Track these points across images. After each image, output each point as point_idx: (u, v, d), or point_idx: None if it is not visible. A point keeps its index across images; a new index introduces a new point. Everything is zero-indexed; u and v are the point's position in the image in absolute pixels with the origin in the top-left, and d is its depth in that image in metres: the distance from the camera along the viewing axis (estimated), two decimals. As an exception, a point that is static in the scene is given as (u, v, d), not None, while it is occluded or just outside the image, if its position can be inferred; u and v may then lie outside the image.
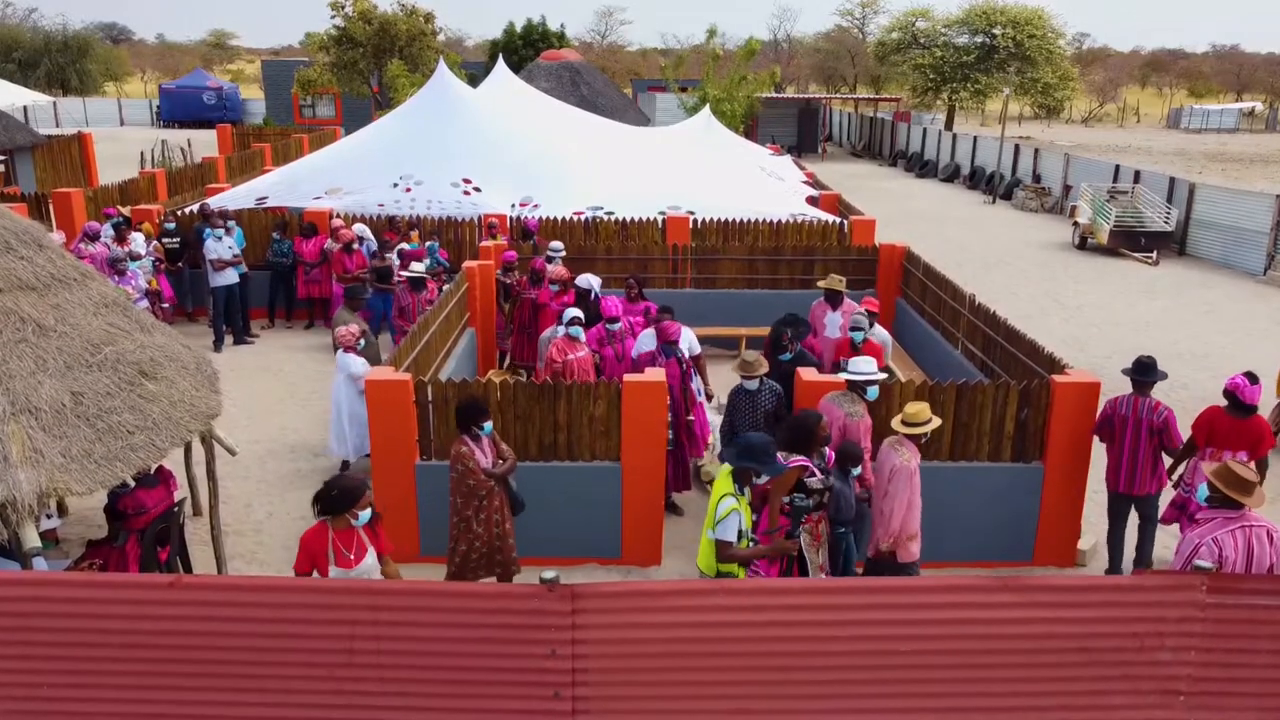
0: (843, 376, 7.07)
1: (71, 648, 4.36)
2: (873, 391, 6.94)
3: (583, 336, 8.49)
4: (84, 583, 4.55)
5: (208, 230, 12.56)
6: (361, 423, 8.70)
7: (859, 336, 8.38)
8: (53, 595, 4.36)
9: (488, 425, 6.31)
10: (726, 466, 5.53)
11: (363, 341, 8.85)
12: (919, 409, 6.25)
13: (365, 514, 5.18)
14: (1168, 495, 7.48)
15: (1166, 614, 4.44)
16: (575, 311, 8.62)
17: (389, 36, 33.46)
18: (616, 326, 8.95)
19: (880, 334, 8.96)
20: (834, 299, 9.57)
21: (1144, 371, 7.12)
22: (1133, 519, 7.39)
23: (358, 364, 8.61)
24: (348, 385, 8.65)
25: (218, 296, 12.63)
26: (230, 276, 12.62)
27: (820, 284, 9.86)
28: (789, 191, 17.72)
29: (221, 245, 12.49)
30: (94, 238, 12.19)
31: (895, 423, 6.30)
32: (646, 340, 8.48)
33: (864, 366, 6.99)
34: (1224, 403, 7.15)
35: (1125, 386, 7.34)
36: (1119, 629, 4.44)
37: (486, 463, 6.32)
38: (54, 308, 5.91)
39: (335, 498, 5.07)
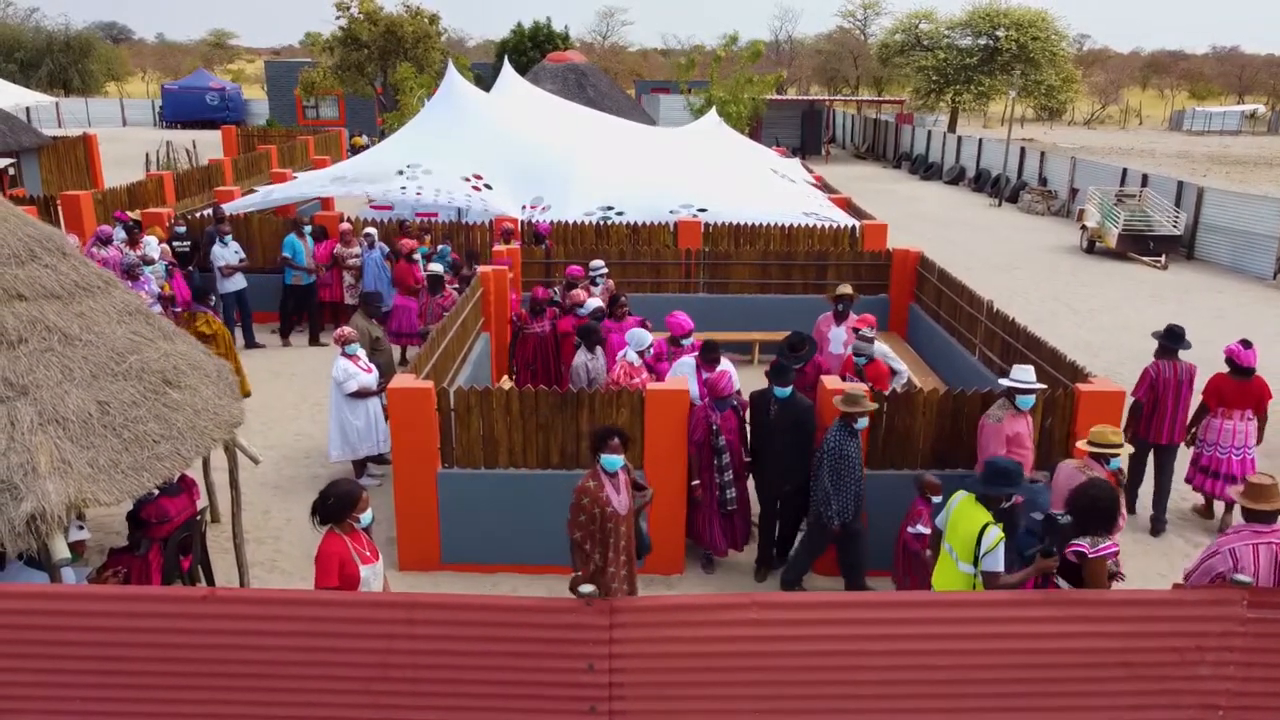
0: (1004, 383, 6.95)
1: (105, 660, 4.34)
2: (1025, 401, 6.80)
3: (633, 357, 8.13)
4: (118, 596, 4.52)
5: (218, 236, 12.56)
6: (342, 427, 8.69)
7: (861, 361, 8.18)
8: (86, 609, 4.34)
9: (611, 460, 5.67)
10: (966, 495, 5.40)
11: (356, 346, 8.77)
12: (1107, 430, 6.10)
13: (366, 516, 5.16)
14: (1184, 457, 8.59)
15: (1207, 628, 4.42)
16: (644, 334, 8.25)
17: (395, 38, 33.40)
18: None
19: (879, 346, 8.68)
20: (842, 310, 9.35)
21: (1176, 339, 8.28)
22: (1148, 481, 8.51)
23: (338, 368, 8.60)
24: (333, 387, 8.67)
25: (227, 303, 12.62)
26: (239, 282, 12.63)
27: (832, 296, 9.62)
28: (802, 192, 17.64)
29: (228, 251, 12.50)
30: (106, 242, 12.16)
31: (1081, 443, 6.17)
32: (687, 371, 7.84)
33: (1026, 375, 6.85)
34: (1226, 371, 8.35)
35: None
36: (1159, 643, 4.43)
37: (619, 500, 5.75)
38: (79, 316, 5.88)
39: (333, 506, 5.06)
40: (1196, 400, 8.61)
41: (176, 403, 5.99)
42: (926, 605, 4.47)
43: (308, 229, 13.33)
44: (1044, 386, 7.06)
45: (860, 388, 7.00)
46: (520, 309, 10.08)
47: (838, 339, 9.20)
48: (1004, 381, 6.97)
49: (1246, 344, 8.29)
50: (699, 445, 7.24)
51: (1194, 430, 8.56)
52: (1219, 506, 8.69)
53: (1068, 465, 6.27)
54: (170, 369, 6.15)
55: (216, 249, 12.47)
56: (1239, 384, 8.22)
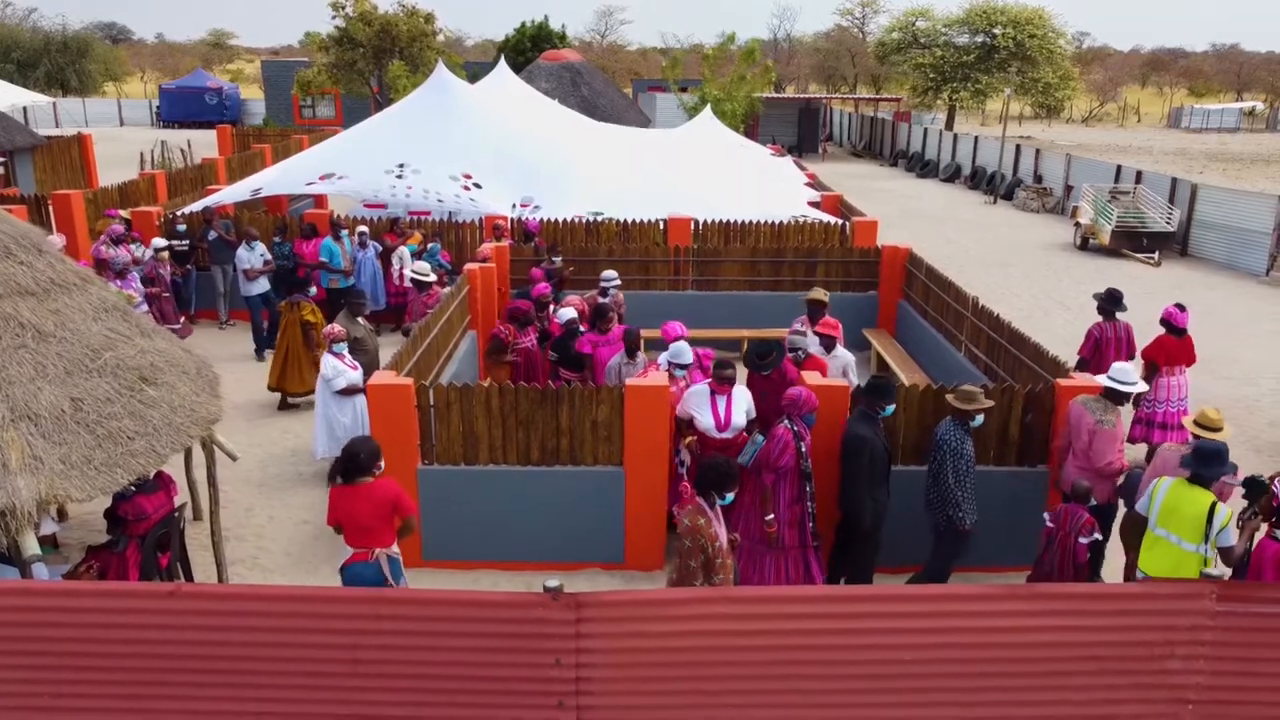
0: (1102, 381, 6.90)
1: (72, 656, 4.33)
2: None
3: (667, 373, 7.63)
4: (86, 592, 4.51)
5: (245, 240, 12.58)
6: (329, 423, 8.69)
7: (801, 355, 7.89)
8: (55, 605, 4.33)
9: (730, 496, 5.66)
10: (1173, 480, 5.61)
11: (343, 345, 8.75)
12: (1217, 415, 6.35)
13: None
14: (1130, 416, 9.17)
15: (1176, 622, 4.41)
16: (685, 348, 7.74)
17: (389, 37, 33.39)
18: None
19: (843, 355, 8.41)
20: (815, 314, 8.94)
21: (1115, 302, 9.55)
22: None
23: (327, 365, 8.59)
24: (321, 385, 8.66)
25: (253, 305, 12.58)
26: (263, 285, 12.59)
27: (807, 296, 9.19)
28: (790, 194, 17.63)
29: (254, 255, 12.46)
30: (118, 242, 12.12)
31: (1187, 421, 6.42)
32: (699, 399, 7.26)
33: (1128, 376, 6.81)
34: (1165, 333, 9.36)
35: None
36: (1128, 637, 4.42)
37: (724, 534, 5.62)
38: (53, 313, 5.88)
39: (363, 461, 5.62)
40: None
41: (152, 399, 5.98)
42: (895, 599, 4.47)
43: (344, 232, 13.30)
44: (1145, 387, 7.09)
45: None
46: (504, 324, 9.54)
47: (813, 341, 9.08)
48: (1103, 380, 6.92)
49: (1181, 307, 9.45)
50: (782, 473, 6.58)
51: (1144, 391, 9.31)
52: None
53: (1172, 451, 6.40)
54: (147, 366, 6.15)
55: (242, 252, 12.46)
56: (1179, 342, 9.29)
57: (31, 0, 74.83)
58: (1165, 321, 9.38)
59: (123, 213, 13.99)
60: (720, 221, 14.56)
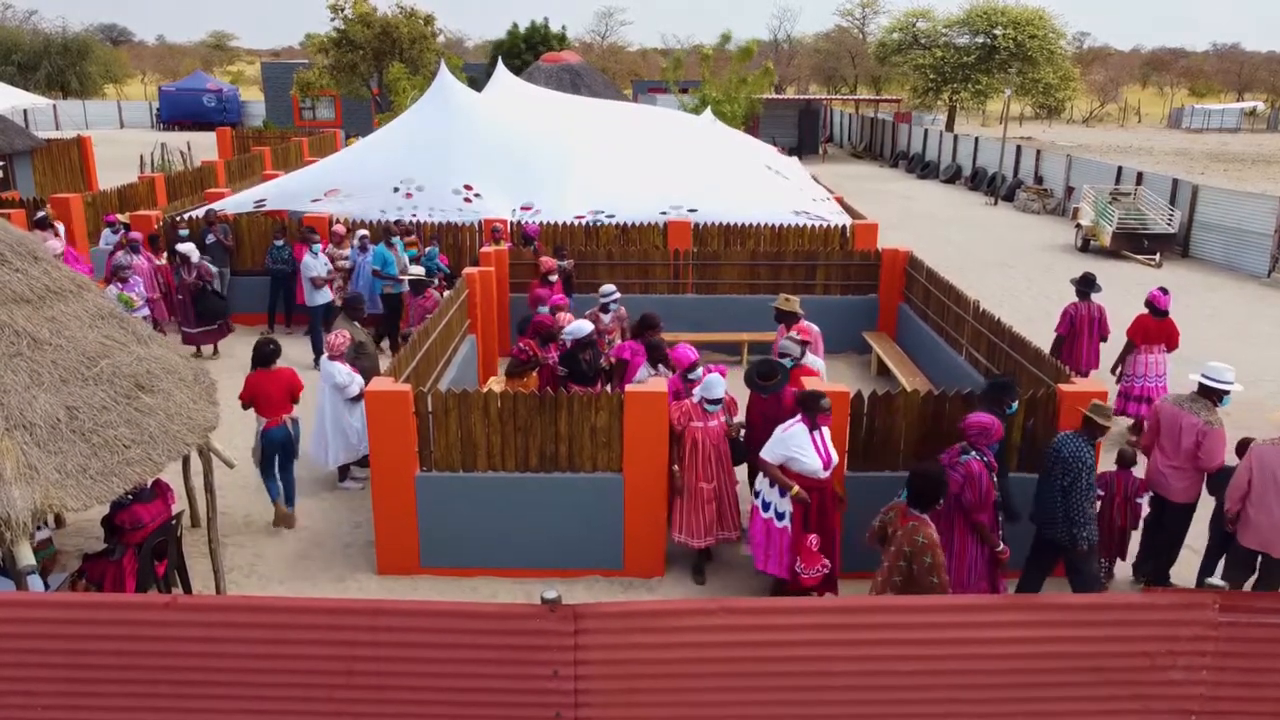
0: (1196, 378, 6.91)
1: (67, 669, 4.30)
2: (1227, 400, 6.85)
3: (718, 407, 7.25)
4: (80, 603, 4.48)
5: (308, 246, 12.47)
6: (343, 430, 8.63)
7: (788, 363, 7.65)
8: (49, 616, 4.30)
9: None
10: None
11: (347, 350, 8.71)
12: None
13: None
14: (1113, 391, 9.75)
15: (1179, 633, 4.37)
16: (719, 381, 7.19)
17: (390, 39, 33.38)
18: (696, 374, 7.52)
19: (814, 361, 8.22)
20: (786, 321, 8.79)
21: (1090, 285, 10.43)
22: None
23: (341, 373, 8.51)
24: (331, 393, 8.58)
25: (316, 315, 12.45)
26: (327, 294, 12.45)
27: (776, 304, 8.98)
28: (796, 188, 17.51)
29: (319, 262, 12.35)
30: (134, 250, 12.09)
31: (1272, 419, 6.56)
32: (800, 439, 6.53)
33: (1226, 375, 6.78)
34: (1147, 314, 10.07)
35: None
36: (1131, 648, 4.37)
37: None
38: (49, 320, 5.85)
39: (273, 352, 8.02)
40: (1117, 340, 10.48)
41: (149, 407, 5.95)
42: (894, 610, 4.43)
43: (396, 239, 13.20)
44: (1241, 387, 7.11)
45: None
46: (526, 340, 9.02)
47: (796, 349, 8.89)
48: (1196, 378, 6.93)
49: (1164, 290, 10.06)
50: (990, 507, 6.27)
51: (1120, 367, 10.15)
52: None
53: (1267, 447, 6.33)
54: (143, 373, 6.12)
55: (308, 259, 12.36)
56: (1158, 323, 9.93)
57: (32, 2, 75.12)
58: (1149, 303, 10.03)
59: (121, 217, 13.97)
60: (720, 224, 14.53)
